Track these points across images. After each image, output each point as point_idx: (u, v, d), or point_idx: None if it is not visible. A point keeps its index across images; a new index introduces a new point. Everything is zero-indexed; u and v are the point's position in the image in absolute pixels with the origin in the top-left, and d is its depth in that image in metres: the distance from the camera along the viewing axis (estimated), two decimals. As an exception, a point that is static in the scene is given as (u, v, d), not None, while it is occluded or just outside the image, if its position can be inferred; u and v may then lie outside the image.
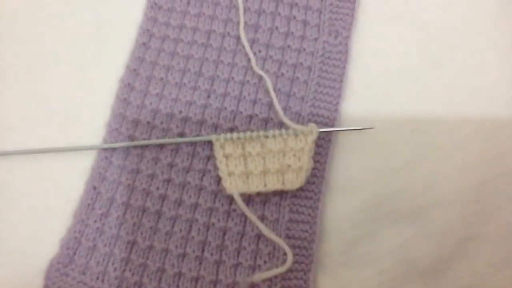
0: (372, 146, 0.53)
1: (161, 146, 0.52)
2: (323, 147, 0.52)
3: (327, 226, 0.50)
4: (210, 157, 0.52)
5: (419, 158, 0.52)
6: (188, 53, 0.56)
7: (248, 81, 0.55)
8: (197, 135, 0.53)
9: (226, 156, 0.51)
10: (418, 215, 0.50)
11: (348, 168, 0.52)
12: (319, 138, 0.52)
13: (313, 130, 0.51)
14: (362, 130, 0.53)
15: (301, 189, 0.51)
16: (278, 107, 0.53)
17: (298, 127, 0.51)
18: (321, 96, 0.55)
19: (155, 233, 0.49)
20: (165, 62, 0.55)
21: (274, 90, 0.54)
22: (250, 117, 0.54)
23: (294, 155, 0.50)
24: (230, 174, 0.50)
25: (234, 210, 0.50)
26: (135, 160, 0.52)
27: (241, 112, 0.54)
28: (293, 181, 0.50)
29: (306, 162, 0.50)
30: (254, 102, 0.55)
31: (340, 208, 0.51)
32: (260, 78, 0.55)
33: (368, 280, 0.48)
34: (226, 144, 0.51)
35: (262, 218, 0.50)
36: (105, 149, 0.52)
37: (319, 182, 0.51)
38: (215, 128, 0.53)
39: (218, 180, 0.51)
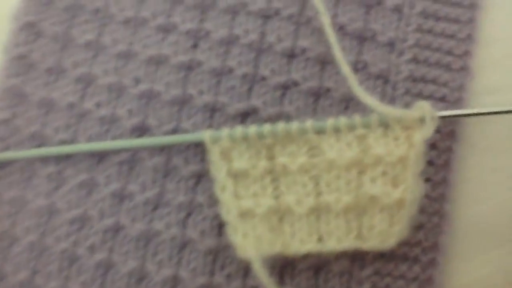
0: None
1: (98, 157, 0.38)
2: (440, 149, 0.36)
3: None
4: (202, 176, 0.37)
5: None
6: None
7: (278, 11, 0.39)
8: (173, 132, 0.38)
9: (235, 175, 0.35)
10: None
11: (497, 197, 0.37)
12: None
13: (427, 115, 0.33)
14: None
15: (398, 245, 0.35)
16: (344, 64, 0.36)
17: (392, 110, 0.34)
18: (432, 39, 0.38)
19: None
20: None
21: (333, 27, 0.38)
22: (284, 88, 0.38)
23: (385, 173, 0.34)
24: (243, 214, 0.35)
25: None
26: (45, 187, 0.36)
27: (264, 78, 0.38)
28: (382, 232, 0.34)
29: (409, 187, 0.33)
30: (291, 56, 0.38)
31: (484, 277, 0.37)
32: (303, 3, 0.40)
33: None
34: (236, 149, 0.35)
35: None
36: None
37: (435, 229, 0.35)
38: (211, 113, 0.37)
39: (220, 226, 0.36)
